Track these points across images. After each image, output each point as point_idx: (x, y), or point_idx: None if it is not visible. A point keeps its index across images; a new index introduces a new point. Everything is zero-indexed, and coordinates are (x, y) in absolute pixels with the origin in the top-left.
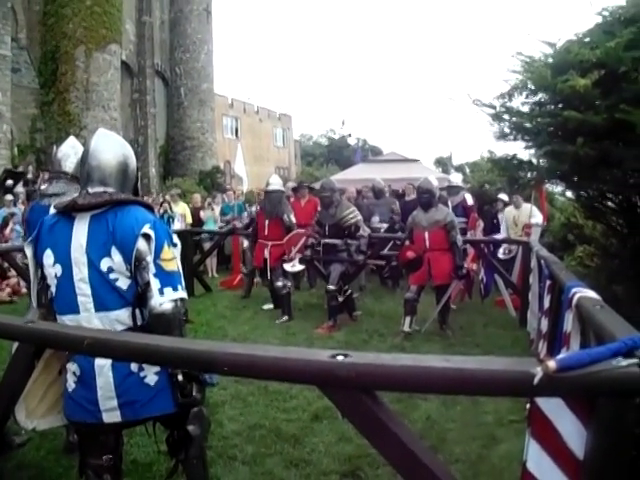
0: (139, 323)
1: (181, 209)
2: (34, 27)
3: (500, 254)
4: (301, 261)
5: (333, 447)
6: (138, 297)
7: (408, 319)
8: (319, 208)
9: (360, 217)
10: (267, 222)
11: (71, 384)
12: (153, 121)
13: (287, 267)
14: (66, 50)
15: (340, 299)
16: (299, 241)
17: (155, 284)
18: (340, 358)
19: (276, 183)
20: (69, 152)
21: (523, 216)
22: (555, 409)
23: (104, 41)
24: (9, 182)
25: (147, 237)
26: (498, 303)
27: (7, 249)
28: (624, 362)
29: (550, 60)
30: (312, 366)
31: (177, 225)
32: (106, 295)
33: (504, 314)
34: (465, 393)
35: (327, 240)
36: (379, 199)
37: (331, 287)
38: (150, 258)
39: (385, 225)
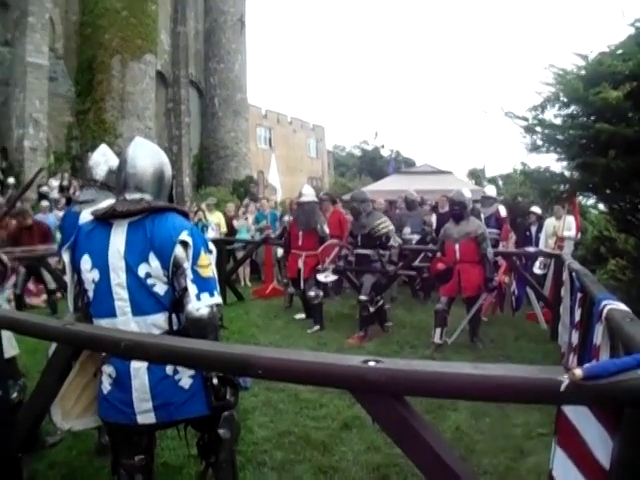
0: (175, 328)
1: (216, 218)
2: (71, 37)
3: (536, 269)
4: (334, 271)
5: (362, 456)
6: (175, 302)
7: (439, 330)
8: (349, 219)
9: (392, 227)
10: (301, 233)
11: (106, 386)
12: (187, 130)
13: (320, 277)
14: (102, 60)
15: (372, 309)
16: (332, 251)
17: (192, 290)
18: (372, 364)
19: (309, 194)
20: (99, 160)
21: (563, 227)
22: (581, 417)
23: (139, 51)
24: (44, 189)
25: (185, 244)
26: (530, 316)
27: (43, 254)
28: None
29: (582, 72)
30: (344, 371)
31: (211, 234)
32: (143, 300)
33: (535, 327)
34: (492, 400)
35: (359, 250)
36: (411, 210)
37: (363, 297)
38: (187, 264)
39: (417, 236)
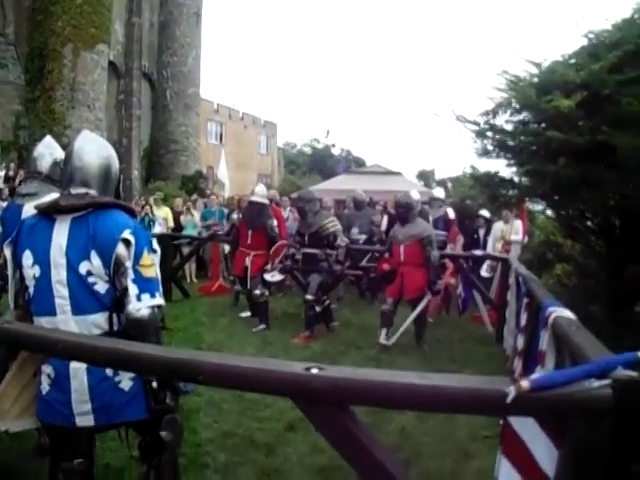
0: (115, 328)
1: (163, 213)
2: (22, 23)
3: (483, 272)
4: (281, 271)
5: (306, 458)
6: (116, 302)
7: (384, 331)
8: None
9: (339, 227)
10: (250, 232)
11: (45, 386)
12: (138, 123)
13: (267, 277)
14: (54, 48)
15: (318, 309)
16: (282, 252)
17: (133, 290)
18: (315, 371)
19: (260, 194)
20: (44, 152)
21: (511, 231)
22: (527, 428)
23: (92, 40)
24: None
25: (127, 242)
26: (476, 319)
27: None
28: (596, 383)
29: (535, 80)
30: (286, 378)
31: (158, 229)
32: (84, 298)
33: (481, 330)
34: (439, 410)
35: (307, 250)
36: (359, 210)
37: (309, 297)
38: (129, 263)
39: (364, 236)
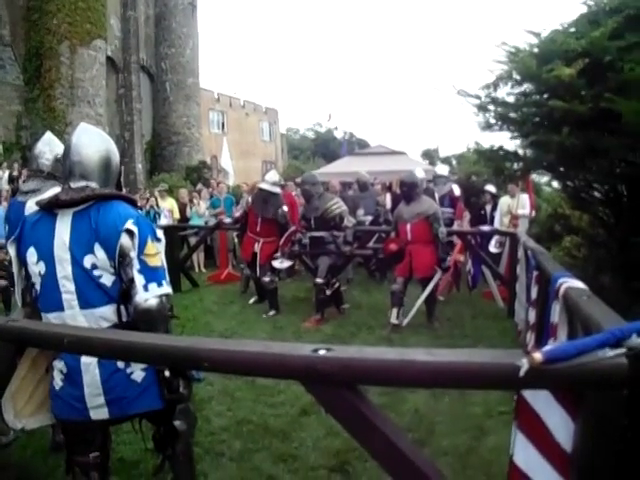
0: (124, 320)
1: (169, 204)
2: (18, 23)
3: (492, 247)
4: (289, 256)
5: (321, 441)
6: (123, 293)
7: (395, 311)
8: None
9: (345, 207)
10: (259, 219)
11: (58, 382)
12: (139, 117)
13: (276, 264)
14: (50, 46)
15: (328, 292)
16: (291, 236)
17: (139, 280)
18: (322, 352)
19: (270, 180)
20: (44, 149)
21: (517, 205)
22: (542, 401)
23: (89, 37)
24: None
25: (130, 233)
26: (486, 295)
27: None
28: (611, 353)
29: (535, 50)
30: (294, 361)
31: (164, 221)
32: (90, 292)
33: (492, 305)
34: (450, 387)
35: (313, 233)
36: (364, 192)
37: (319, 280)
38: (134, 254)
39: (370, 218)
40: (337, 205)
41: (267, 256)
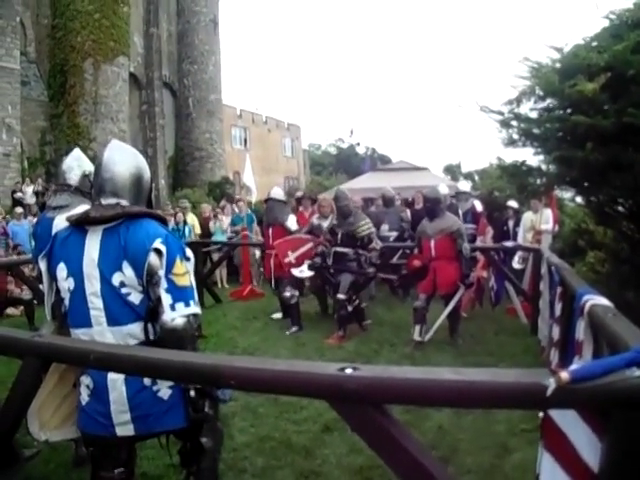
0: (152, 338)
1: (190, 220)
2: (43, 40)
3: (515, 263)
4: (310, 267)
5: (344, 459)
6: (150, 312)
7: (418, 328)
8: (334, 217)
9: (374, 229)
10: (270, 231)
11: (85, 397)
12: (162, 133)
13: (295, 272)
14: (74, 63)
15: (349, 308)
16: (300, 246)
17: (166, 299)
18: (349, 371)
19: (275, 193)
20: (72, 165)
21: (541, 221)
22: (569, 421)
23: (112, 54)
24: (18, 195)
25: (159, 252)
26: (509, 311)
27: (15, 262)
28: (638, 372)
29: (558, 65)
30: (320, 380)
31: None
32: (118, 309)
33: (515, 322)
34: (476, 406)
35: (338, 249)
36: (389, 207)
37: (341, 296)
38: (162, 273)
39: (395, 233)
40: (367, 225)
41: (281, 269)
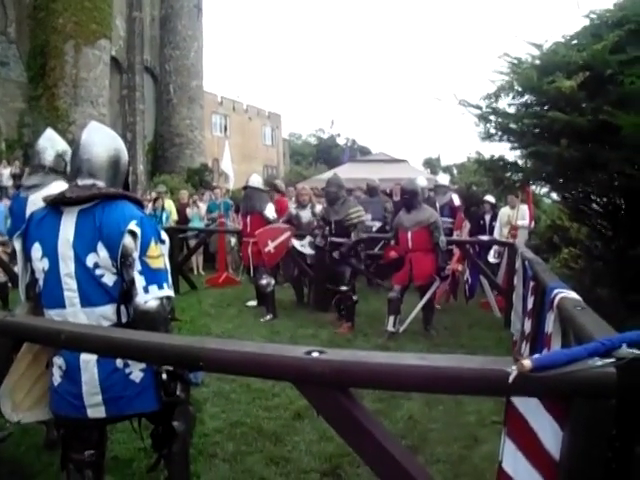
0: (124, 320)
1: (167, 206)
2: (23, 21)
3: (491, 257)
4: (311, 245)
5: (314, 445)
6: (124, 294)
7: (392, 318)
8: (312, 206)
9: (363, 218)
10: (248, 219)
11: (57, 378)
12: (142, 118)
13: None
14: (55, 45)
15: (355, 298)
16: (279, 235)
17: (140, 281)
18: (315, 354)
19: (253, 181)
20: (46, 145)
21: (517, 217)
22: (531, 408)
23: (94, 36)
24: None
25: (133, 234)
26: (483, 305)
27: None
28: (600, 362)
29: (537, 62)
30: (287, 362)
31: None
32: (92, 291)
33: (489, 315)
34: (440, 391)
35: (334, 239)
36: (372, 197)
37: (344, 288)
38: (136, 255)
39: (378, 224)
40: (357, 214)
41: (259, 257)
